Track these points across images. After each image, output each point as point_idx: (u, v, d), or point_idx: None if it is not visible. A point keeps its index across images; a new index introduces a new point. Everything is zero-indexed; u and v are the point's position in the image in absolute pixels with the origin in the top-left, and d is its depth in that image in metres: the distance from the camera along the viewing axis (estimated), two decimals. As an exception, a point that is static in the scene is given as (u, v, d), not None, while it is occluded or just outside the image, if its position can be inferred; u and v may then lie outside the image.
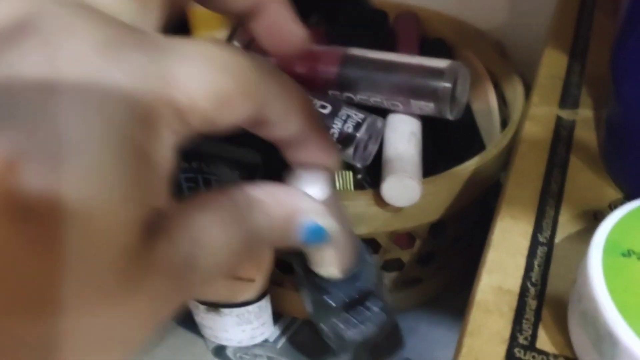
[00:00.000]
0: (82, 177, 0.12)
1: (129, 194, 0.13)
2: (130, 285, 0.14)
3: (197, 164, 0.34)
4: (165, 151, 0.15)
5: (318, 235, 0.19)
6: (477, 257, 0.28)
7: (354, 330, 0.36)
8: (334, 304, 0.35)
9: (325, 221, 0.20)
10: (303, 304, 0.39)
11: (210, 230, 0.16)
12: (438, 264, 0.44)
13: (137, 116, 0.14)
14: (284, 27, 0.21)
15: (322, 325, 0.38)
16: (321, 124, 0.21)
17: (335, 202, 0.30)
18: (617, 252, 0.22)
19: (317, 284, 0.36)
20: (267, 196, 0.18)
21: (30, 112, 0.12)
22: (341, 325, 0.36)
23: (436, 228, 0.40)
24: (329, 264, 0.34)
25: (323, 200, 0.27)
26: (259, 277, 0.38)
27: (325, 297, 0.36)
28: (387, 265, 0.42)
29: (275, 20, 0.21)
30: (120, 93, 0.14)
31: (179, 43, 0.15)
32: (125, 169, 0.13)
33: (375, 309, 0.35)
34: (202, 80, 0.15)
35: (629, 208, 0.24)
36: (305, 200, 0.19)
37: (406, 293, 0.45)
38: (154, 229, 0.14)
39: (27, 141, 0.12)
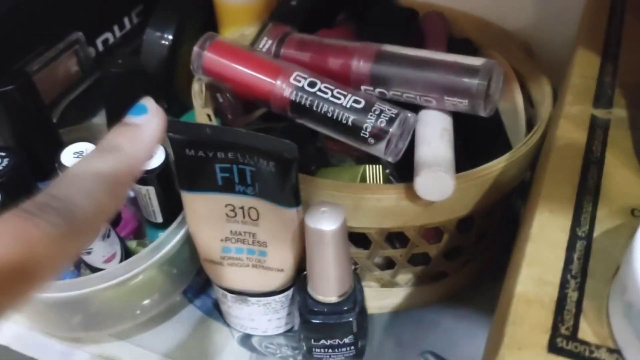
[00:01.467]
0: None
1: None
2: None
3: (232, 154, 0.35)
4: None
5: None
6: (501, 254, 0.29)
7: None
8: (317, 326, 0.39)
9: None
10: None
11: None
12: (464, 259, 0.45)
13: None
14: None
15: (303, 344, 0.40)
16: None
17: (344, 231, 0.35)
18: (661, 245, 0.23)
19: (309, 306, 0.39)
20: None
21: None
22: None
23: (464, 223, 0.41)
24: (328, 290, 0.37)
25: (335, 230, 0.34)
26: (288, 268, 0.39)
27: (313, 320, 0.38)
28: (414, 259, 0.43)
29: None
30: None
31: None
32: None
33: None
34: None
35: (672, 203, 0.24)
36: None
37: (431, 287, 0.45)
38: None
39: None
